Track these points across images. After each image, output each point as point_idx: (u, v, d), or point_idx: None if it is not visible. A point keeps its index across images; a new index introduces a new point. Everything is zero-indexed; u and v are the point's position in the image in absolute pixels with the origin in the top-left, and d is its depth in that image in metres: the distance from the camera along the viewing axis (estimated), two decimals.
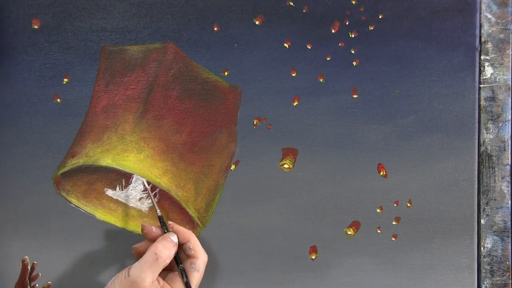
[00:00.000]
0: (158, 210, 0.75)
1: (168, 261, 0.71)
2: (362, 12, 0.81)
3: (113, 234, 0.80)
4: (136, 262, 0.70)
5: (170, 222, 0.74)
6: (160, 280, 0.71)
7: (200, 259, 0.73)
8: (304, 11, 0.81)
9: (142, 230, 0.73)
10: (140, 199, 0.80)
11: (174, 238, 0.72)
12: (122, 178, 0.80)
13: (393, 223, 0.81)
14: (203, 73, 0.81)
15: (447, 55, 0.81)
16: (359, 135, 0.81)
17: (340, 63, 0.81)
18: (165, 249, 0.71)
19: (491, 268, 0.81)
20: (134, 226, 0.81)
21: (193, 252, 0.72)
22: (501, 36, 0.82)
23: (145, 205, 0.80)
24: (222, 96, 0.81)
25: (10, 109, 0.81)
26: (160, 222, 0.74)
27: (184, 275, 0.71)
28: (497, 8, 0.82)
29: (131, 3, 0.81)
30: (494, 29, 0.81)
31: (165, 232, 0.73)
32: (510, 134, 0.81)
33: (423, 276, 0.81)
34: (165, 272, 0.73)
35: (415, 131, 0.81)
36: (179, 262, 0.72)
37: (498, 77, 0.82)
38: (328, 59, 0.81)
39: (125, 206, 0.80)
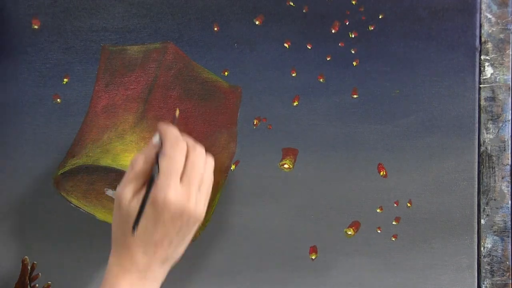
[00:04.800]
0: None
1: (146, 166, 0.64)
2: (362, 12, 0.81)
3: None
4: None
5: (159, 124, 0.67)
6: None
7: (166, 143, 0.63)
8: (304, 11, 0.81)
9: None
10: None
11: (155, 139, 0.66)
12: (122, 178, 0.80)
13: (393, 223, 0.81)
14: (203, 73, 0.81)
15: (447, 55, 0.81)
16: (359, 135, 0.81)
17: (340, 63, 0.81)
18: (139, 155, 0.65)
19: (491, 268, 0.81)
20: None
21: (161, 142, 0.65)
22: (501, 36, 0.82)
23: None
24: (222, 96, 0.81)
25: (10, 109, 0.81)
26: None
27: (152, 179, 0.64)
28: (497, 8, 0.81)
29: (131, 3, 0.81)
30: (494, 29, 0.81)
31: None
32: (510, 134, 0.81)
33: (423, 276, 0.81)
34: None
35: (415, 131, 0.81)
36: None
37: (498, 77, 0.82)
38: (328, 59, 0.81)
39: None
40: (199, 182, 0.65)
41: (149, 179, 0.64)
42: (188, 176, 0.63)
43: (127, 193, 0.64)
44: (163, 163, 0.63)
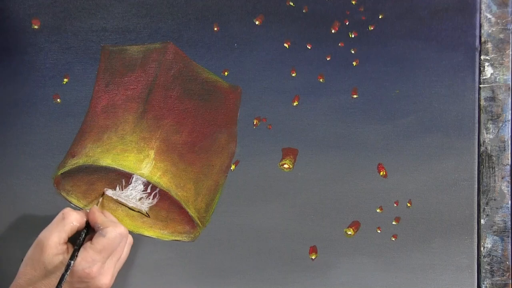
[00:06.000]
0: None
1: (75, 223, 0.72)
2: (362, 12, 0.81)
3: None
4: None
5: (93, 206, 0.76)
6: (70, 247, 0.72)
7: (110, 227, 0.72)
8: (304, 11, 0.81)
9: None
10: (140, 199, 0.80)
11: (88, 210, 0.75)
12: (122, 178, 0.80)
13: (393, 223, 0.81)
14: (203, 73, 0.81)
15: (447, 55, 0.81)
16: (359, 135, 0.81)
17: (340, 63, 0.81)
18: (73, 212, 0.73)
19: (491, 268, 0.81)
20: (134, 226, 0.81)
21: (101, 227, 0.72)
22: (501, 36, 0.82)
23: (145, 205, 0.80)
24: (222, 96, 0.81)
25: (10, 109, 0.81)
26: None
27: (82, 240, 0.72)
28: (497, 8, 0.82)
29: (131, 3, 0.81)
30: (494, 29, 0.81)
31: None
32: (510, 134, 0.81)
33: (423, 276, 0.81)
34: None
35: (415, 131, 0.81)
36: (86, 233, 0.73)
37: (498, 77, 0.82)
38: (328, 59, 0.81)
39: (125, 206, 0.80)
40: (120, 262, 0.74)
41: (75, 247, 0.71)
42: (116, 257, 0.72)
43: (54, 239, 0.70)
44: (101, 241, 0.70)
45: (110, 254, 0.71)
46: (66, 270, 0.68)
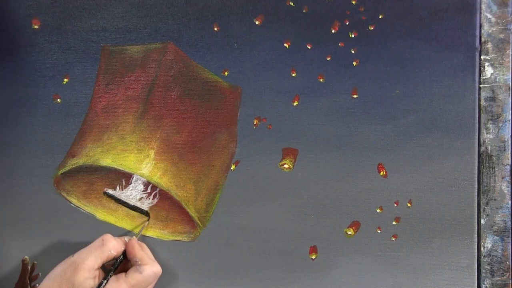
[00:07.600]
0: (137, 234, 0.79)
1: (113, 252, 0.72)
2: (362, 12, 0.81)
3: (113, 234, 0.80)
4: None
5: (132, 238, 0.76)
6: (101, 273, 0.72)
7: (148, 265, 0.72)
8: (304, 11, 0.81)
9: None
10: (140, 199, 0.80)
11: (126, 239, 0.75)
12: (122, 178, 0.80)
13: (393, 223, 0.81)
14: (203, 73, 0.81)
15: (447, 55, 0.81)
16: (359, 135, 0.81)
17: (340, 63, 0.81)
18: (113, 239, 0.73)
19: (491, 268, 0.81)
20: (134, 226, 0.81)
21: (139, 262, 0.73)
22: (501, 36, 0.82)
23: (145, 205, 0.80)
24: (222, 96, 0.81)
25: (10, 109, 0.81)
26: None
27: (115, 268, 0.72)
28: (497, 8, 0.82)
29: (131, 3, 0.81)
30: (494, 29, 0.81)
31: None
32: (510, 134, 0.81)
33: (423, 276, 0.81)
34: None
35: (415, 131, 0.81)
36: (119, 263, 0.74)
37: (498, 77, 0.82)
38: (328, 59, 0.81)
39: (125, 206, 0.80)
40: None
41: (111, 267, 0.72)
42: None
43: (90, 263, 0.70)
44: (136, 276, 0.71)
45: None
46: None
